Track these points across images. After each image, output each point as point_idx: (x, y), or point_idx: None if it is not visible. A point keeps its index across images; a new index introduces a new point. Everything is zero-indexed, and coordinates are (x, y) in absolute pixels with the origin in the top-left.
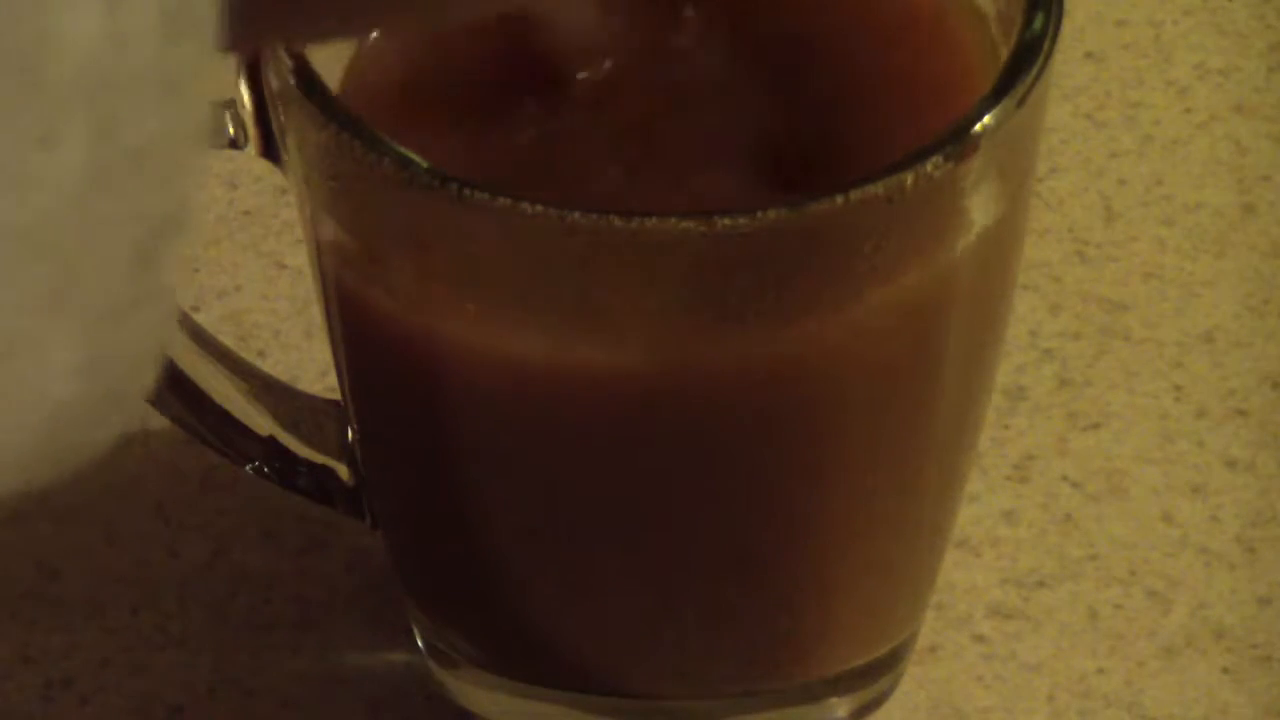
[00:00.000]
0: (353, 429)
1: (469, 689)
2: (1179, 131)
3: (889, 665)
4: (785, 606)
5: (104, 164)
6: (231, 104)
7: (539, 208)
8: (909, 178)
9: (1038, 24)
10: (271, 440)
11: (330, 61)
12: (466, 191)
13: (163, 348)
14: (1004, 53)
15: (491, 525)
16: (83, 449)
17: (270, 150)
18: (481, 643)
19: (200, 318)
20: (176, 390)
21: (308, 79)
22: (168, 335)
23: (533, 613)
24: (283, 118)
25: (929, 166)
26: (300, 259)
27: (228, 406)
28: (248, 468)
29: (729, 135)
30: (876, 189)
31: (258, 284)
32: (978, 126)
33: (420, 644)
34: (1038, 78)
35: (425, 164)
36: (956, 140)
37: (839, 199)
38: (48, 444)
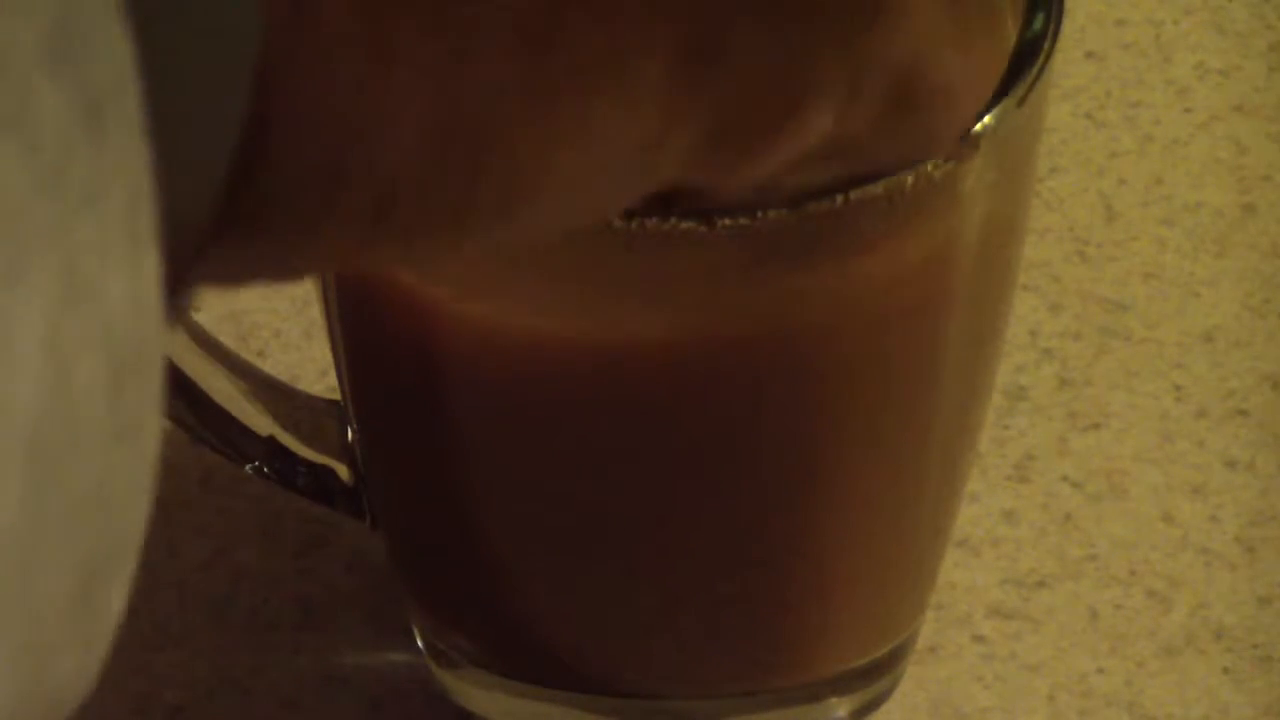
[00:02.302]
0: (353, 429)
1: (469, 689)
2: (1179, 131)
3: (889, 665)
4: (785, 606)
5: (42, 516)
6: None
7: None
8: (909, 178)
9: (1038, 24)
10: (271, 440)
11: None
12: None
13: (98, 675)
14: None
15: (491, 524)
16: None
17: None
18: (481, 643)
19: (200, 318)
20: (176, 390)
21: None
22: (104, 663)
23: (533, 612)
24: None
25: (929, 166)
26: None
27: (228, 406)
28: (248, 468)
29: None
30: (876, 189)
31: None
32: (978, 126)
33: (420, 644)
34: (1038, 78)
35: None
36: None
37: (839, 199)
38: None
